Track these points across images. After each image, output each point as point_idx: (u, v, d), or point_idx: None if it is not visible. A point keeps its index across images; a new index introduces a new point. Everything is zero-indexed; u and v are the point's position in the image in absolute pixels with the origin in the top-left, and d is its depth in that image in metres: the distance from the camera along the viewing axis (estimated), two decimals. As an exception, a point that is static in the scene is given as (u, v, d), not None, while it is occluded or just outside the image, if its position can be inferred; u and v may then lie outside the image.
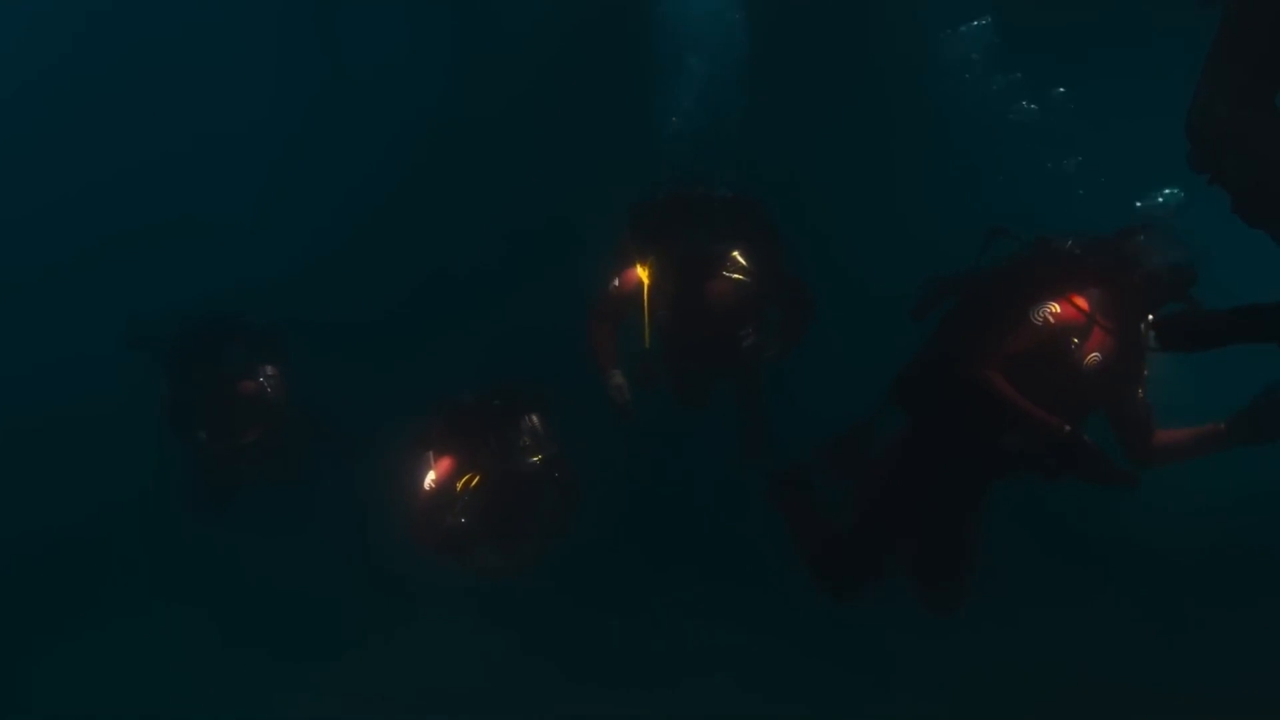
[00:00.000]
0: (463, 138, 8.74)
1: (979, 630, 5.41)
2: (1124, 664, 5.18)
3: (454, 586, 5.61)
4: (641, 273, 5.49)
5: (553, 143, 8.25)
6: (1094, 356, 3.87)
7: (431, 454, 5.37)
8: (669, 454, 6.94)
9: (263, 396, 6.65)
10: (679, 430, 6.61)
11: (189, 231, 8.73)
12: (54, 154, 9.37)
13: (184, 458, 6.63)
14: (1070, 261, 3.93)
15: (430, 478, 5.27)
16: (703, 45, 6.77)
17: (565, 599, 6.02)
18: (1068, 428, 3.72)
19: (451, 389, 5.52)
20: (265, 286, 7.45)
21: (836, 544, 4.32)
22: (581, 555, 5.69)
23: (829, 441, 4.66)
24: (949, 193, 7.39)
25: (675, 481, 6.99)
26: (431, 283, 8.52)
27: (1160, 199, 4.16)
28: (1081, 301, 3.85)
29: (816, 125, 7.87)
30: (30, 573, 7.11)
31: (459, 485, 5.30)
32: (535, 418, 5.46)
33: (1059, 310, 3.84)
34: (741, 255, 5.47)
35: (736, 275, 5.48)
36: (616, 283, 5.61)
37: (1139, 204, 4.22)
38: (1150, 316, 3.73)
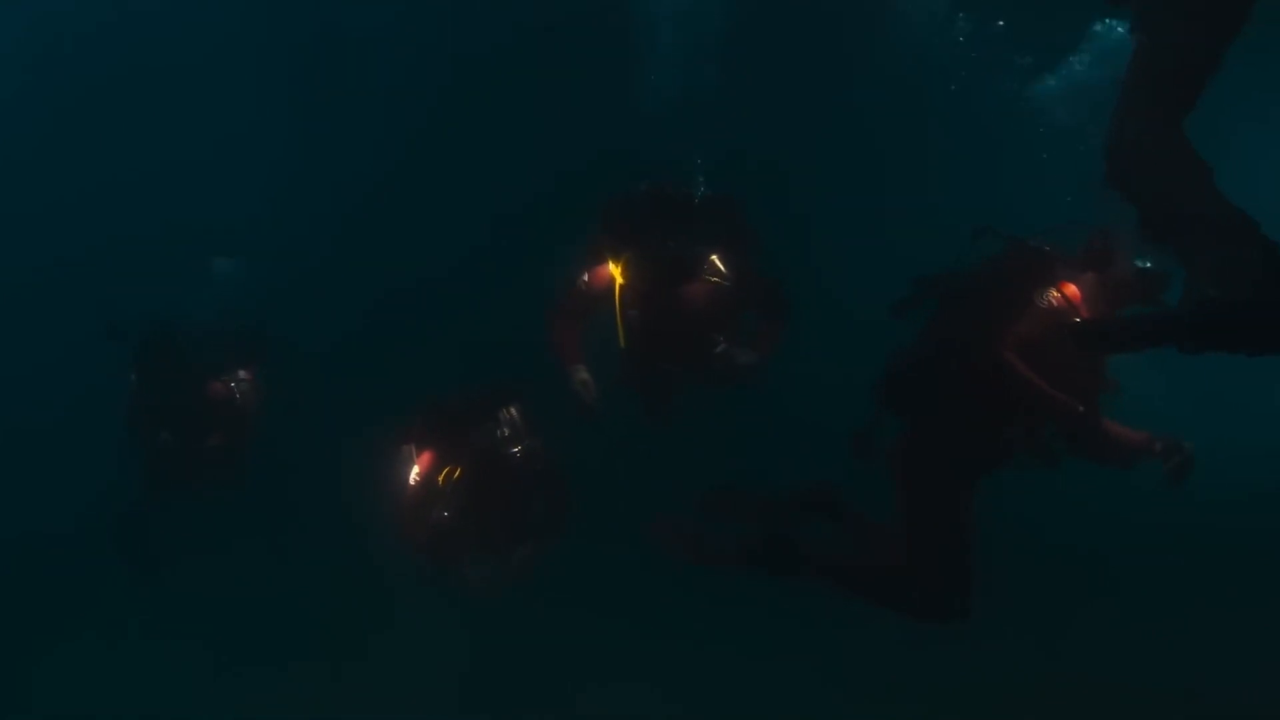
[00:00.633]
0: (446, 135, 8.68)
1: (972, 633, 5.37)
2: (1119, 665, 5.12)
3: (444, 587, 5.40)
4: (614, 270, 5.29)
5: (533, 133, 8.16)
6: None
7: (413, 449, 5.30)
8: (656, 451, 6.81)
9: (231, 401, 6.45)
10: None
11: (170, 234, 8.55)
12: (35, 158, 9.23)
13: (137, 458, 6.41)
14: (1048, 261, 3.98)
15: (414, 472, 5.21)
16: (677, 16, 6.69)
17: (557, 599, 5.83)
18: (1081, 408, 3.76)
19: (431, 389, 5.45)
20: (243, 289, 7.29)
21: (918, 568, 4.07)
22: (571, 554, 5.56)
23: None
24: (929, 158, 7.42)
25: (662, 480, 6.84)
26: (411, 284, 8.39)
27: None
28: (1071, 290, 3.93)
29: (789, 96, 7.82)
30: (30, 573, 6.93)
31: (441, 478, 5.23)
32: (513, 410, 5.40)
33: (1059, 296, 3.92)
34: (719, 259, 5.30)
35: (714, 279, 5.29)
36: (586, 279, 5.38)
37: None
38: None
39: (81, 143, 9.12)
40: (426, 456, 5.26)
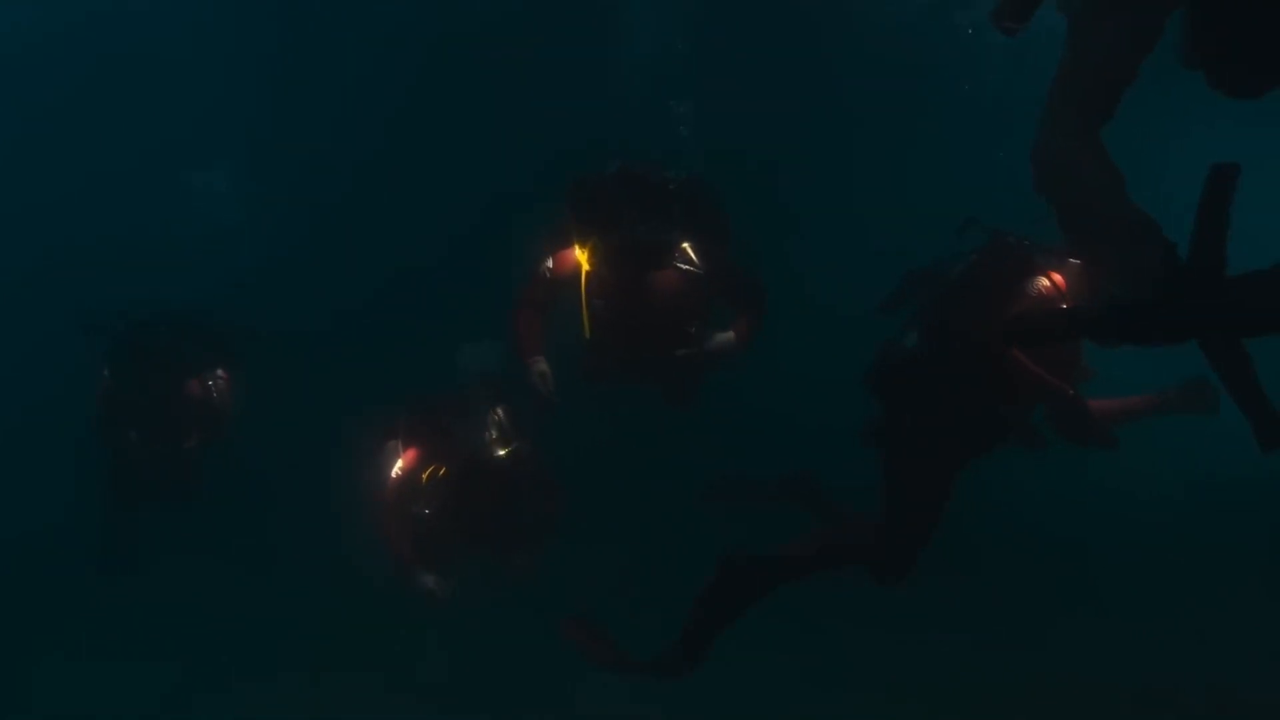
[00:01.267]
0: (425, 123, 8.60)
1: (972, 634, 5.43)
2: (1117, 664, 5.14)
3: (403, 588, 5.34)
4: (580, 256, 5.05)
5: (513, 115, 8.07)
6: None
7: (399, 445, 5.31)
8: (647, 450, 6.81)
9: (207, 401, 6.33)
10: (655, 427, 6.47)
11: (148, 232, 8.42)
12: (11, 156, 9.04)
13: (102, 457, 6.31)
14: (1029, 253, 4.07)
15: (397, 467, 5.23)
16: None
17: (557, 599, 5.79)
18: (1071, 391, 3.90)
19: (416, 386, 5.45)
20: (223, 287, 7.20)
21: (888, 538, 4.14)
22: (570, 554, 5.57)
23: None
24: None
25: (655, 479, 6.83)
26: (392, 280, 8.30)
27: None
28: (1058, 279, 4.00)
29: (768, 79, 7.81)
30: (29, 571, 6.78)
31: (424, 476, 5.25)
32: (501, 411, 5.37)
33: (1048, 284, 3.99)
34: (691, 248, 5.09)
35: (686, 266, 5.07)
36: (550, 264, 5.14)
37: None
38: None
39: (54, 130, 8.99)
40: (412, 453, 5.27)
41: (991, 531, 6.10)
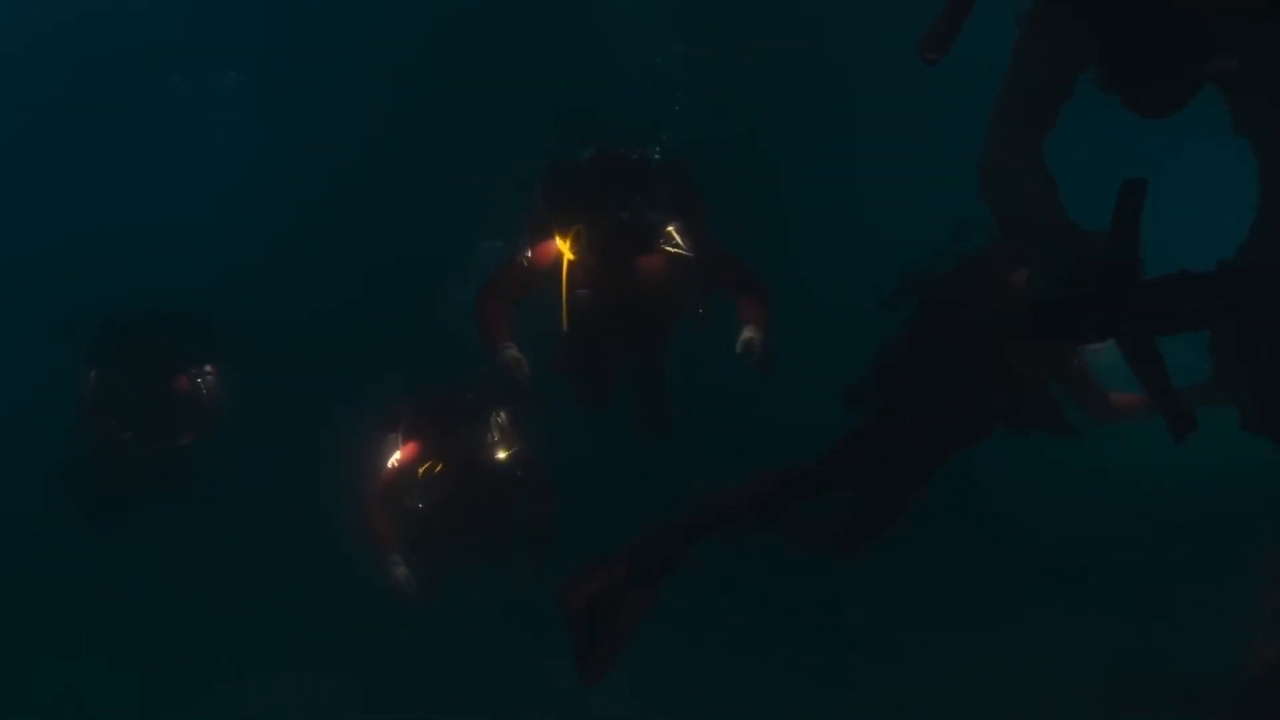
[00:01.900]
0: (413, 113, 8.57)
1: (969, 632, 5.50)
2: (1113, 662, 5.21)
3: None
4: (561, 245, 4.78)
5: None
6: None
7: (399, 438, 5.30)
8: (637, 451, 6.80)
9: (197, 397, 6.26)
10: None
11: (131, 228, 8.31)
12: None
13: (85, 457, 6.19)
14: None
15: (394, 458, 5.23)
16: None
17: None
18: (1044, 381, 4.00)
19: (421, 380, 5.45)
20: (209, 282, 7.12)
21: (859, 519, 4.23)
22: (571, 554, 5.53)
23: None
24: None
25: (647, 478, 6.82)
26: (383, 275, 8.25)
27: None
28: None
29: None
30: (29, 570, 6.69)
31: (421, 471, 5.24)
32: (504, 414, 5.36)
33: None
34: (677, 230, 4.79)
35: (674, 249, 4.78)
36: (530, 254, 4.84)
37: None
38: None
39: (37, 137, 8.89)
40: (411, 447, 5.27)
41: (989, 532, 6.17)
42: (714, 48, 7.08)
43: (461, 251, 6.69)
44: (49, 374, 6.37)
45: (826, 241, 7.65)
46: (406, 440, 5.28)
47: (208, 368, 6.30)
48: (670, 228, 4.78)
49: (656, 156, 4.80)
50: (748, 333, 4.73)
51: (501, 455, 5.30)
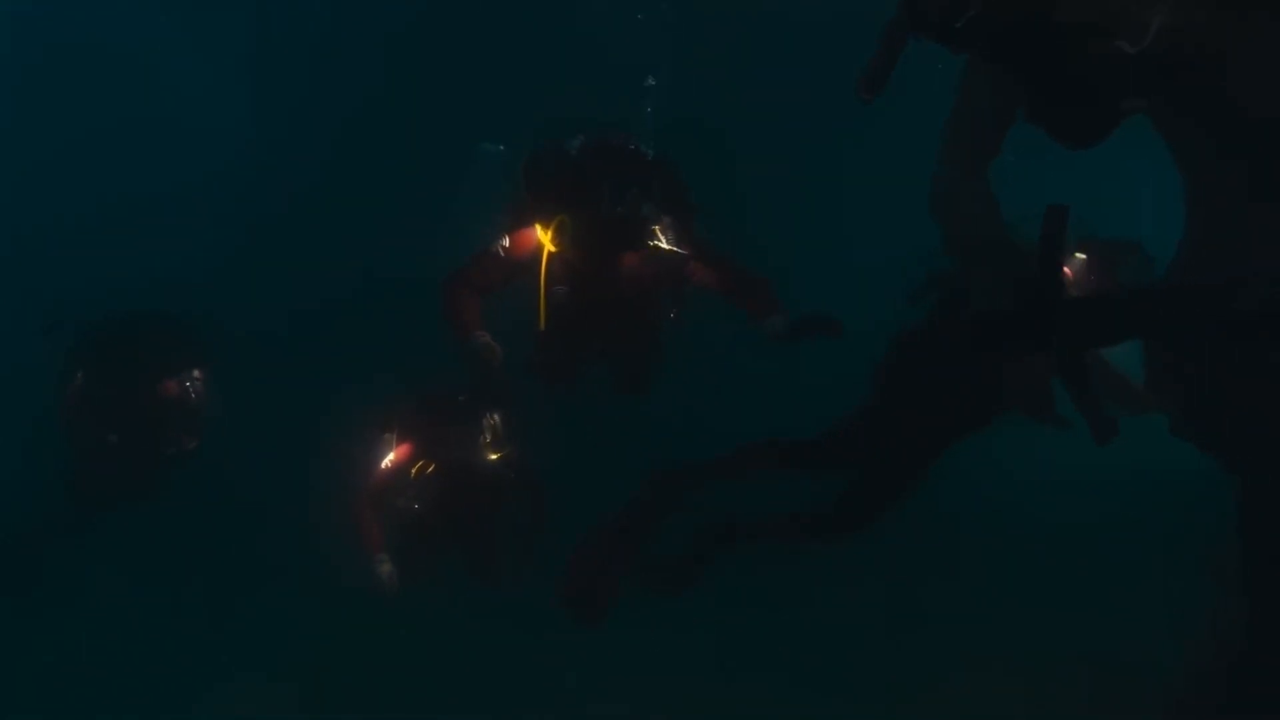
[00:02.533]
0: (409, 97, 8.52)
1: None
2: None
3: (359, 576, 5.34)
4: (541, 236, 4.55)
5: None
6: None
7: (393, 437, 5.35)
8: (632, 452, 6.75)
9: (185, 400, 6.20)
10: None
11: (121, 224, 8.23)
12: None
13: (67, 459, 6.13)
14: None
15: (389, 458, 5.29)
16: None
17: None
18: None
19: (415, 381, 5.46)
20: (195, 282, 7.06)
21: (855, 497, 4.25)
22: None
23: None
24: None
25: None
26: (375, 277, 8.21)
27: None
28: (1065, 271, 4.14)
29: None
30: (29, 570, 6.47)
31: (414, 471, 5.32)
32: (497, 417, 5.43)
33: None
34: (667, 227, 4.65)
35: (665, 246, 4.62)
36: (506, 244, 4.60)
37: None
38: None
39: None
40: (405, 447, 5.33)
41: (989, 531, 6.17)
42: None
43: (455, 249, 6.64)
44: (32, 371, 6.27)
45: (822, 241, 7.66)
46: (400, 441, 5.33)
47: (195, 372, 6.25)
48: (658, 225, 4.62)
49: (647, 151, 4.60)
50: (772, 323, 4.59)
51: (493, 457, 5.38)
